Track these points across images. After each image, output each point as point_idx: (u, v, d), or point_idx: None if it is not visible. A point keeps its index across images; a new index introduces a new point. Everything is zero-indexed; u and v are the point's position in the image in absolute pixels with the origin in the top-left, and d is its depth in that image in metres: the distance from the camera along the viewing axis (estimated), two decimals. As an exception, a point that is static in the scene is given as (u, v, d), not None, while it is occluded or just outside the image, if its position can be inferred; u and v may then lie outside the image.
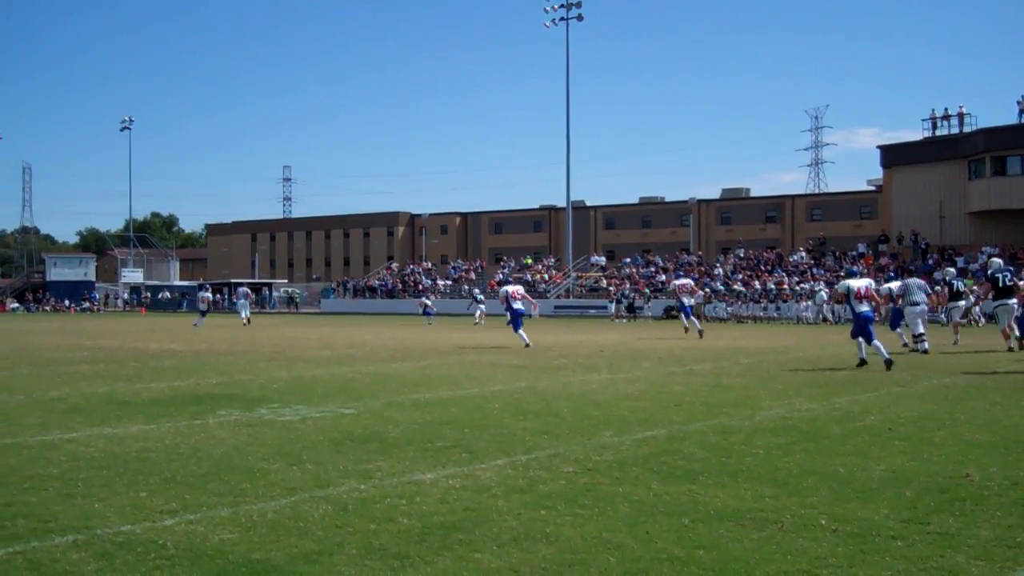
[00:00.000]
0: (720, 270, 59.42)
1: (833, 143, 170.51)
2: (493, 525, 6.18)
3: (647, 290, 57.84)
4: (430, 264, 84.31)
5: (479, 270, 77.76)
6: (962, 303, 23.26)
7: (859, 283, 18.45)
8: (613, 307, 55.32)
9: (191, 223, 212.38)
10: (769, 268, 57.79)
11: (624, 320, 51.97)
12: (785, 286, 52.30)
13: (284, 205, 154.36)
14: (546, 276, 69.26)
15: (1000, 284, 20.45)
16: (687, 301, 30.67)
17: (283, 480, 7.64)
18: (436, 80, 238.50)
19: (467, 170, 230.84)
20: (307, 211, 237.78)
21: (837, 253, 58.88)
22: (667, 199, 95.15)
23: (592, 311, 59.29)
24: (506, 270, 74.07)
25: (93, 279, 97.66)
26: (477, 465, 8.23)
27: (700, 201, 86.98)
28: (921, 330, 22.01)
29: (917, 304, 22.38)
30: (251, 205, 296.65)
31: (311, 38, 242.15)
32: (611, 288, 60.53)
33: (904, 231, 58.05)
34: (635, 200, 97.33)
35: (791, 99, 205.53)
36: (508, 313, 25.99)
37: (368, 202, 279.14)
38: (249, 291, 55.52)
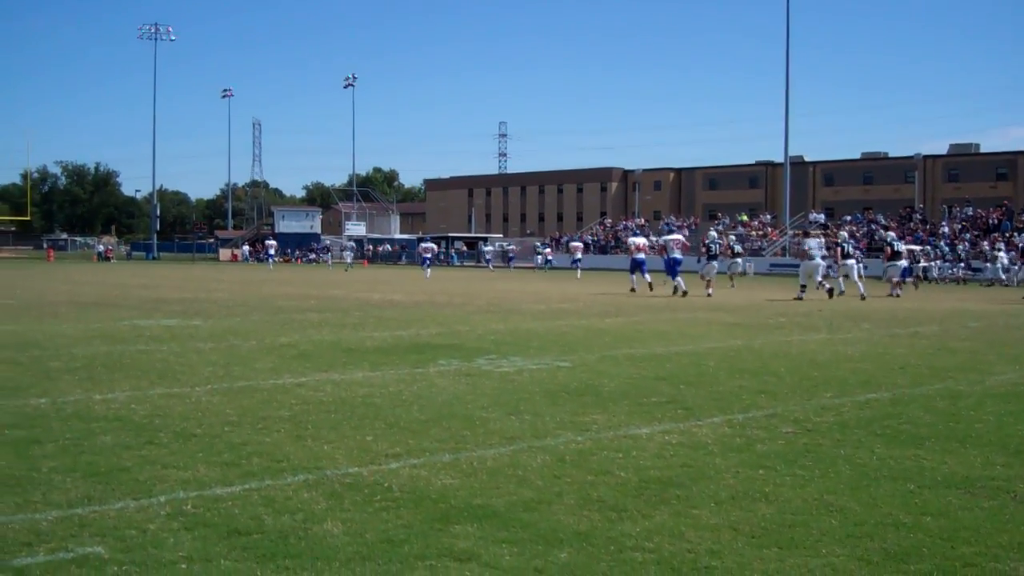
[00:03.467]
0: (947, 229, 56.87)
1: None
2: (710, 482, 6.15)
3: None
4: (643, 220, 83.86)
5: (693, 227, 76.83)
6: (901, 263, 30.23)
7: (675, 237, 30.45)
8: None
9: (411, 178, 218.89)
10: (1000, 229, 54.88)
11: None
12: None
13: (500, 161, 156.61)
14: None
15: (894, 248, 30.23)
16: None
17: (501, 429, 7.80)
18: (650, 34, 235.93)
19: (682, 125, 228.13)
20: (522, 167, 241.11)
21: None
22: (891, 155, 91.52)
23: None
24: (720, 226, 72.97)
25: (319, 231, 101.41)
26: (693, 422, 8.19)
27: (926, 157, 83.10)
28: (819, 279, 27.81)
29: (813, 258, 27.55)
30: (468, 161, 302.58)
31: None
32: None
33: None
34: (856, 155, 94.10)
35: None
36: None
37: (581, 158, 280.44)
38: (275, 243, 72.04)
